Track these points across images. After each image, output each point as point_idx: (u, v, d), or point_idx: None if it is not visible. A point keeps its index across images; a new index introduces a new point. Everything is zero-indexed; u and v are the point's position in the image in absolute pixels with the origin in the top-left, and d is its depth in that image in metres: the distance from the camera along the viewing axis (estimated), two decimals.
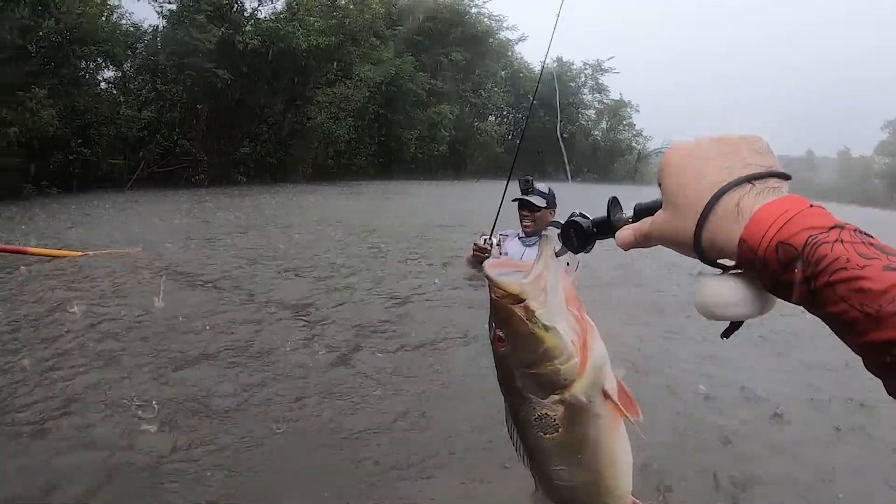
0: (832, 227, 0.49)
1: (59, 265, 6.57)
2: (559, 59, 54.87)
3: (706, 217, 0.56)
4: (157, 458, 2.76)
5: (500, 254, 4.91)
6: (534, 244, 4.72)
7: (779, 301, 0.57)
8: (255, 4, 29.40)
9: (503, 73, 52.37)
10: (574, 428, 0.73)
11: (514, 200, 4.89)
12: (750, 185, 0.55)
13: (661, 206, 0.62)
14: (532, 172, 5.39)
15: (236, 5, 27.93)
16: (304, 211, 15.08)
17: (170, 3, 26.75)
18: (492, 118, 52.21)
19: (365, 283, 6.41)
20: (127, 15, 26.34)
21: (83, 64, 22.40)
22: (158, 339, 4.38)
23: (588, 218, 0.75)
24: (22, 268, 6.27)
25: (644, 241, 0.64)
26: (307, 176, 27.80)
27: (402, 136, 36.82)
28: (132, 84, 25.23)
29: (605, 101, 61.77)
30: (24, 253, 6.48)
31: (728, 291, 0.58)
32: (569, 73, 56.91)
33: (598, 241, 0.75)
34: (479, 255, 5.08)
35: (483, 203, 5.87)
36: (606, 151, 62.20)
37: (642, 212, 0.67)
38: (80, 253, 6.85)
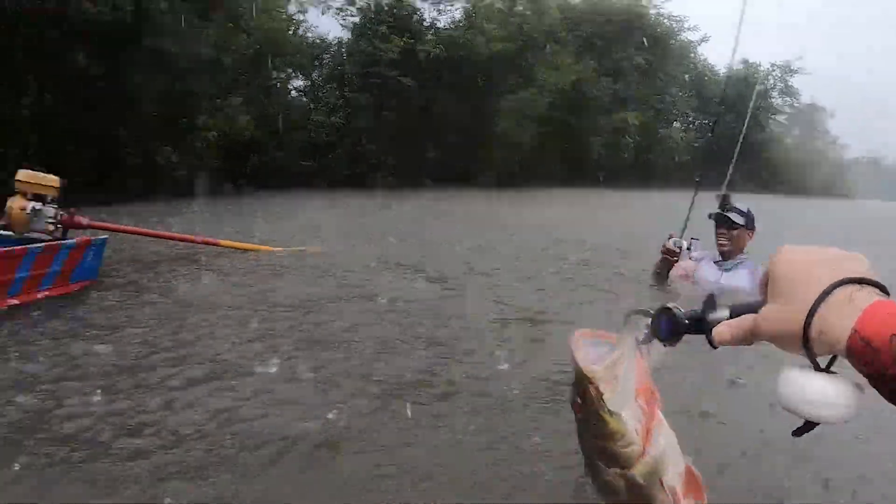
0: None
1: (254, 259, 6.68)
2: (745, 61, 50.51)
3: (819, 305, 0.58)
4: None
5: (689, 258, 4.66)
6: (732, 269, 4.42)
7: None
8: (435, 14, 30.04)
9: (686, 76, 49.43)
10: (633, 500, 0.77)
11: (710, 216, 4.50)
12: (859, 285, 0.59)
13: (757, 307, 0.66)
14: (719, 182, 5.01)
15: (416, 15, 28.61)
16: (506, 215, 14.75)
17: (353, 15, 28.02)
18: (677, 124, 49.21)
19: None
20: (312, 28, 28.07)
21: (274, 74, 23.87)
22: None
23: (681, 310, 0.75)
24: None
25: (745, 337, 0.67)
26: (492, 182, 27.60)
27: (587, 142, 35.75)
28: (321, 92, 26.45)
29: (795, 104, 56.33)
30: (217, 244, 6.73)
31: (835, 392, 0.60)
32: (755, 76, 52.18)
33: (687, 334, 0.74)
34: (668, 259, 4.72)
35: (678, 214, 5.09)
36: (799, 161, 56.52)
37: (738, 311, 0.69)
38: (268, 248, 7.00)
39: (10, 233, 5.00)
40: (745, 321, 0.66)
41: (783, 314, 0.62)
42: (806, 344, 0.60)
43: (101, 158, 15.29)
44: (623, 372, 0.76)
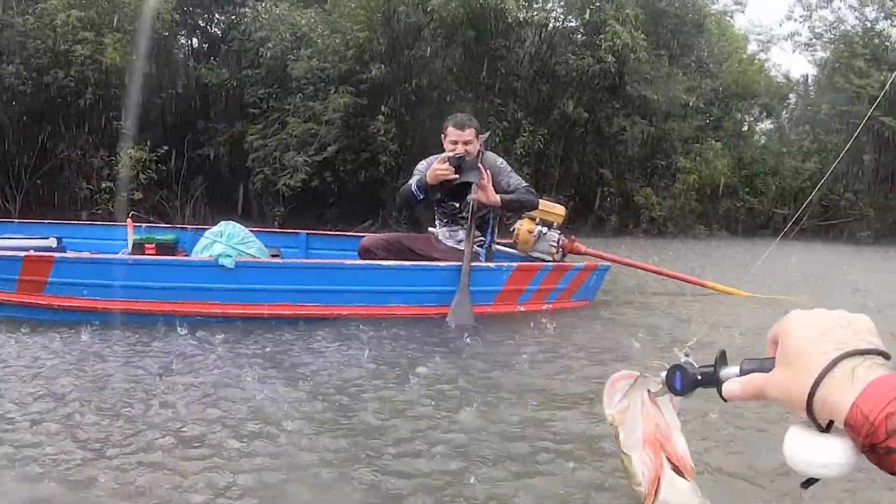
0: None
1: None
2: None
3: (823, 377, 0.62)
4: None
5: None
6: None
7: None
8: None
9: None
10: None
11: None
12: (862, 357, 0.62)
13: (769, 366, 0.70)
14: None
15: (886, 43, 24.25)
16: None
17: (823, 51, 25.14)
18: None
19: None
20: (776, 66, 26.13)
21: (739, 117, 23.04)
22: None
23: (695, 365, 0.79)
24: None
25: (754, 396, 0.71)
26: None
27: None
28: (793, 135, 24.41)
29: None
30: (703, 285, 6.60)
31: (840, 452, 0.63)
32: None
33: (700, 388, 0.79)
34: None
35: None
36: None
37: (748, 369, 0.72)
38: (746, 293, 6.61)
39: (514, 250, 5.57)
40: (754, 381, 0.71)
41: (789, 383, 0.66)
42: (809, 412, 0.64)
43: (582, 194, 16.80)
44: (630, 420, 0.82)
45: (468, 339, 3.96)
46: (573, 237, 5.79)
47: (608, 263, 5.77)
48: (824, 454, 0.64)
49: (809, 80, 26.16)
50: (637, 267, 6.73)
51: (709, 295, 6.49)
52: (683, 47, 19.04)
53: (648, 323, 4.94)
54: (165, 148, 14.53)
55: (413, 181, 4.82)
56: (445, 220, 5.04)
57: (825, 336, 0.64)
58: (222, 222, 4.74)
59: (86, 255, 4.76)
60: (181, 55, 18.36)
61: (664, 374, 0.81)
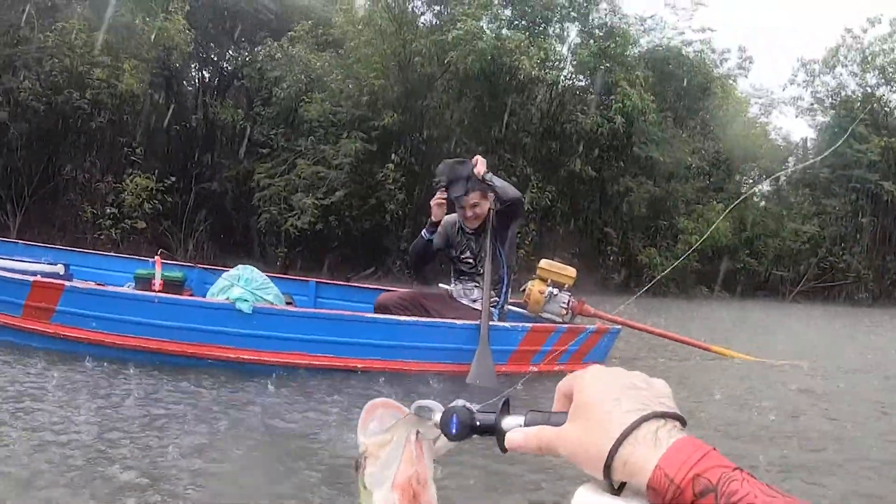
0: (735, 469, 0.56)
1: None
2: None
3: (626, 437, 0.60)
4: None
5: None
6: None
7: None
8: None
9: None
10: None
11: None
12: (664, 420, 0.61)
13: (557, 420, 0.67)
14: None
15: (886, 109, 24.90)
16: None
17: (823, 115, 25.71)
18: None
19: None
20: (776, 129, 26.64)
21: (739, 178, 23.68)
22: None
23: (472, 411, 0.74)
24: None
25: (538, 448, 0.68)
26: None
27: None
28: (791, 197, 24.75)
29: None
30: (708, 349, 6.60)
31: None
32: None
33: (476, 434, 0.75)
34: None
35: None
36: None
37: (534, 420, 0.70)
38: (753, 358, 6.67)
39: (523, 311, 5.53)
40: (543, 434, 0.68)
41: (585, 439, 0.64)
42: (607, 471, 0.62)
43: (584, 251, 16.97)
44: (387, 456, 0.75)
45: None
46: (583, 299, 5.79)
47: (619, 326, 5.76)
48: None
49: (808, 144, 26.69)
50: (646, 331, 6.72)
51: (716, 359, 6.50)
52: (689, 110, 19.41)
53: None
54: (173, 179, 14.59)
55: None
56: (461, 277, 5.05)
57: (626, 395, 0.63)
58: (240, 266, 4.73)
59: (97, 285, 4.74)
60: (190, 87, 18.60)
61: (438, 416, 0.76)
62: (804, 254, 22.66)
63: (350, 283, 7.48)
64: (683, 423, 0.62)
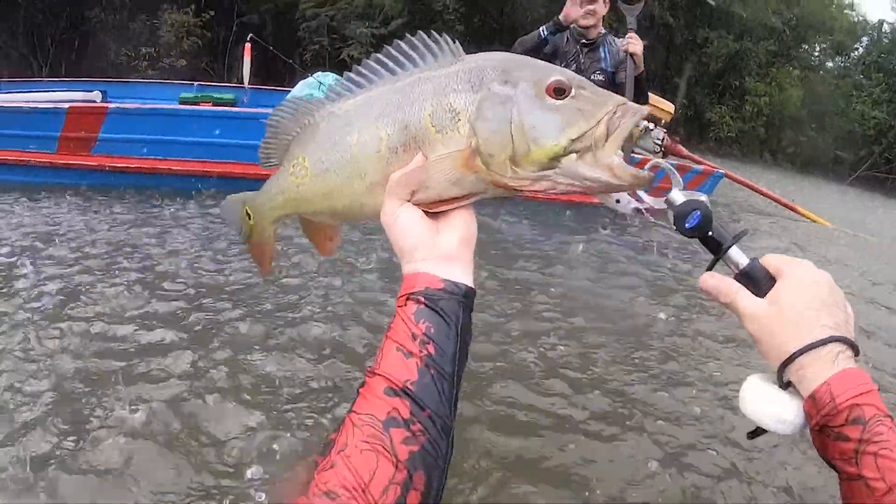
0: (887, 415, 0.61)
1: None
2: None
3: (814, 347, 0.65)
4: None
5: None
6: None
7: None
8: None
9: None
10: None
11: None
12: (847, 346, 0.65)
13: (763, 285, 0.69)
14: None
15: None
16: None
17: None
18: None
19: None
20: (855, 5, 24.80)
21: (805, 47, 22.35)
22: None
23: (716, 219, 0.71)
24: None
25: (721, 300, 0.72)
26: None
27: None
28: (867, 81, 23.16)
29: None
30: (794, 210, 6.54)
31: (795, 412, 0.66)
32: None
33: (692, 238, 0.72)
34: None
35: None
36: None
37: (748, 275, 0.69)
38: (828, 223, 6.62)
39: None
40: (740, 298, 0.70)
41: (777, 330, 0.67)
42: (782, 368, 0.67)
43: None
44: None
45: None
46: (676, 138, 5.24)
47: (722, 172, 5.41)
48: (781, 408, 0.66)
49: (884, 28, 24.85)
50: (743, 184, 6.28)
51: (797, 220, 6.43)
52: None
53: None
54: (211, 13, 13.69)
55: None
56: None
57: (827, 310, 0.67)
58: (319, 72, 4.17)
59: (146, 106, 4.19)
60: None
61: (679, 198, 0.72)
62: (868, 139, 21.72)
63: None
64: (857, 353, 0.66)
